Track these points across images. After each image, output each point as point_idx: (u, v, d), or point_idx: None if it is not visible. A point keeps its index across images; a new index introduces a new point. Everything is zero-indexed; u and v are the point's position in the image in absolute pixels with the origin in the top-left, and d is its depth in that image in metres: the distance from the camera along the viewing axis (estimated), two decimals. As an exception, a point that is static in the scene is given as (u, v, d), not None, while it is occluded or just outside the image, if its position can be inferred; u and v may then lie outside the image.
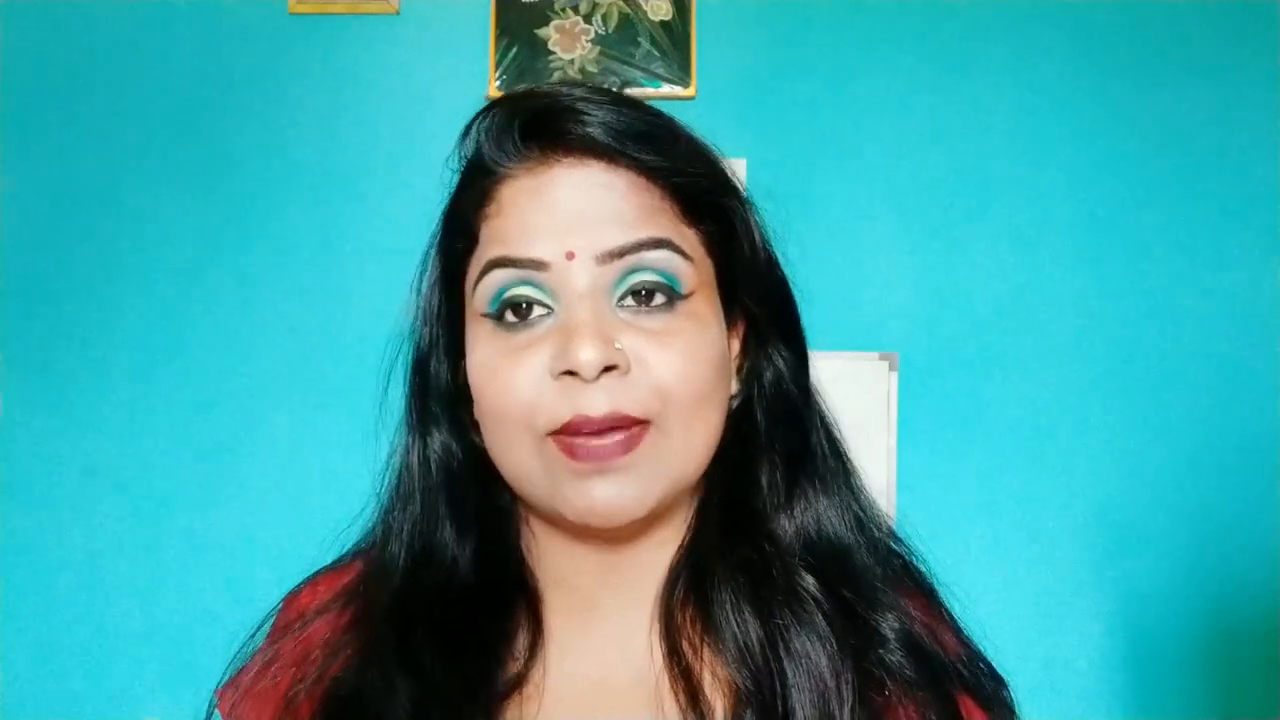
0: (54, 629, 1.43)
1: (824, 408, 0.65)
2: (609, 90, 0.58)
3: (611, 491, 0.53)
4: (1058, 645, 1.40)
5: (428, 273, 0.63)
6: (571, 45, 1.49)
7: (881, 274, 1.46)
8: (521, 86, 1.39)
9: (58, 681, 1.42)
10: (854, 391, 1.42)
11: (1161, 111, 1.47)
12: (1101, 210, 1.46)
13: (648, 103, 0.59)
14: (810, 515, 0.61)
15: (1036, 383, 1.44)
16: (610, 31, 1.49)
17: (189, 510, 1.45)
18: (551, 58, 1.49)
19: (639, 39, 1.49)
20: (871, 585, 0.59)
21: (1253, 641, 1.39)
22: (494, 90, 1.49)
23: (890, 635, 0.58)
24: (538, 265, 0.54)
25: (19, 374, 1.46)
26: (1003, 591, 1.41)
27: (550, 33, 1.50)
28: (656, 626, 0.59)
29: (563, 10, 1.50)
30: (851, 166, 1.47)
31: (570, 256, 0.54)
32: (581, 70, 1.49)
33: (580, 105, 0.55)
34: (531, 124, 0.56)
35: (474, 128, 0.60)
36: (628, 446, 0.53)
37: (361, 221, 1.48)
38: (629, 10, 1.49)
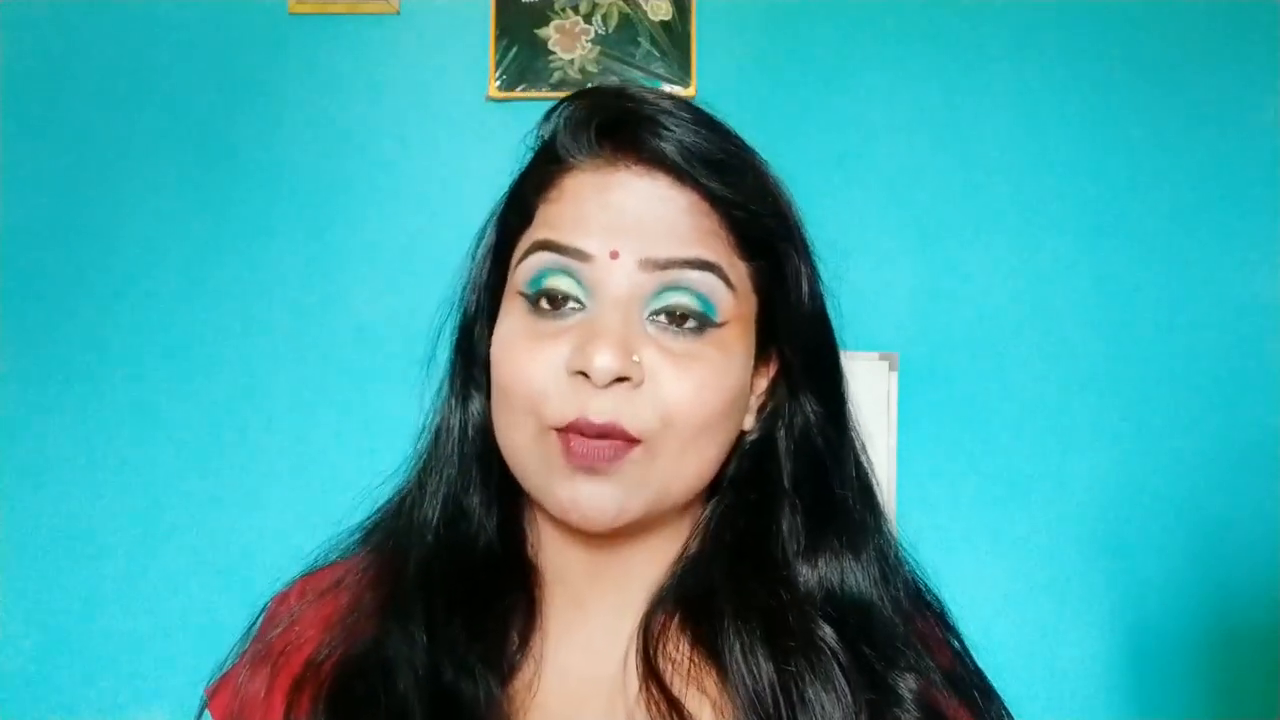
0: (54, 629, 1.43)
1: (864, 460, 0.64)
2: (696, 108, 0.58)
3: (593, 493, 0.54)
4: (1058, 645, 1.40)
5: (483, 243, 0.64)
6: (571, 45, 1.49)
7: (881, 274, 1.46)
8: (541, 94, 1.41)
9: (58, 681, 1.42)
10: (854, 391, 1.41)
11: (1162, 111, 1.46)
12: (1102, 210, 1.46)
13: (728, 127, 0.59)
14: (834, 568, 0.60)
15: (1037, 383, 1.44)
16: (610, 31, 1.49)
17: (189, 509, 1.45)
18: (551, 58, 1.49)
19: (639, 39, 1.49)
20: (892, 643, 0.59)
21: (1253, 642, 1.39)
22: (494, 90, 1.48)
23: (908, 695, 0.57)
24: (581, 256, 0.55)
25: (19, 374, 1.47)
26: (1003, 591, 1.40)
27: (550, 33, 1.49)
28: (636, 644, 0.59)
29: (563, 10, 1.50)
30: (851, 166, 1.47)
31: (614, 256, 0.54)
32: (581, 70, 1.49)
33: (662, 118, 0.55)
34: (610, 125, 0.57)
35: (555, 115, 0.60)
36: (619, 454, 0.53)
37: (361, 220, 1.48)
38: (629, 10, 1.49)
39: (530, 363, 0.55)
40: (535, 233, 0.57)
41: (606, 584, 0.61)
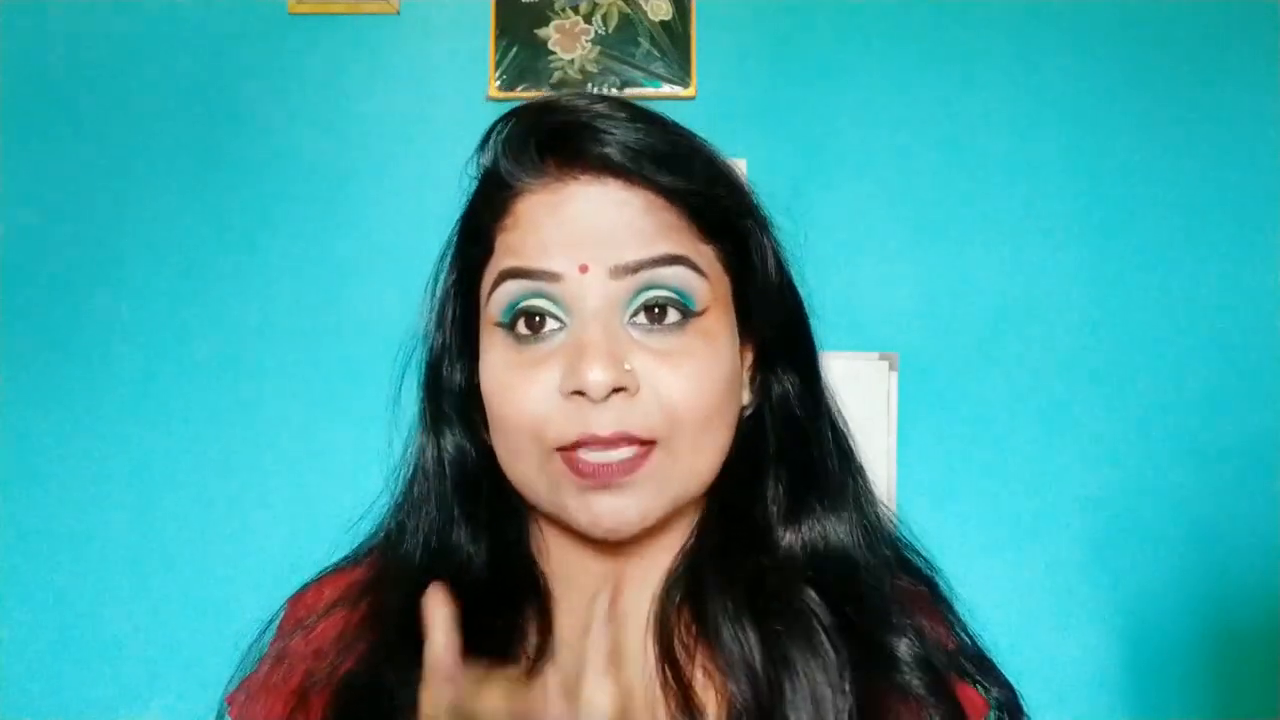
0: (54, 628, 1.43)
1: (840, 424, 0.65)
2: (630, 104, 0.58)
3: (615, 506, 0.54)
4: (1058, 645, 1.40)
5: (443, 277, 0.63)
6: (571, 45, 1.49)
7: (881, 274, 1.46)
8: (541, 93, 1.42)
9: (58, 681, 1.42)
10: (854, 391, 1.41)
11: (1162, 111, 1.46)
12: (1101, 210, 1.46)
13: (665, 117, 0.59)
14: (817, 531, 0.60)
15: (1036, 383, 1.44)
16: (610, 31, 1.49)
17: (190, 510, 1.44)
18: (551, 58, 1.49)
19: (639, 39, 1.49)
20: (883, 605, 0.59)
21: (1253, 641, 1.39)
22: (494, 90, 1.48)
23: (905, 657, 0.57)
24: (551, 277, 0.54)
25: (19, 374, 1.46)
26: (1003, 591, 1.41)
27: (550, 33, 1.50)
28: (651, 629, 0.59)
29: (563, 10, 1.50)
30: (852, 166, 1.47)
31: (584, 269, 0.54)
32: (581, 70, 1.49)
33: (599, 123, 0.55)
34: (549, 140, 0.56)
35: (492, 138, 0.59)
36: (632, 467, 0.53)
37: (361, 221, 1.48)
38: (629, 10, 1.49)
39: (525, 392, 0.54)
40: (500, 262, 0.57)
41: (625, 584, 0.60)
